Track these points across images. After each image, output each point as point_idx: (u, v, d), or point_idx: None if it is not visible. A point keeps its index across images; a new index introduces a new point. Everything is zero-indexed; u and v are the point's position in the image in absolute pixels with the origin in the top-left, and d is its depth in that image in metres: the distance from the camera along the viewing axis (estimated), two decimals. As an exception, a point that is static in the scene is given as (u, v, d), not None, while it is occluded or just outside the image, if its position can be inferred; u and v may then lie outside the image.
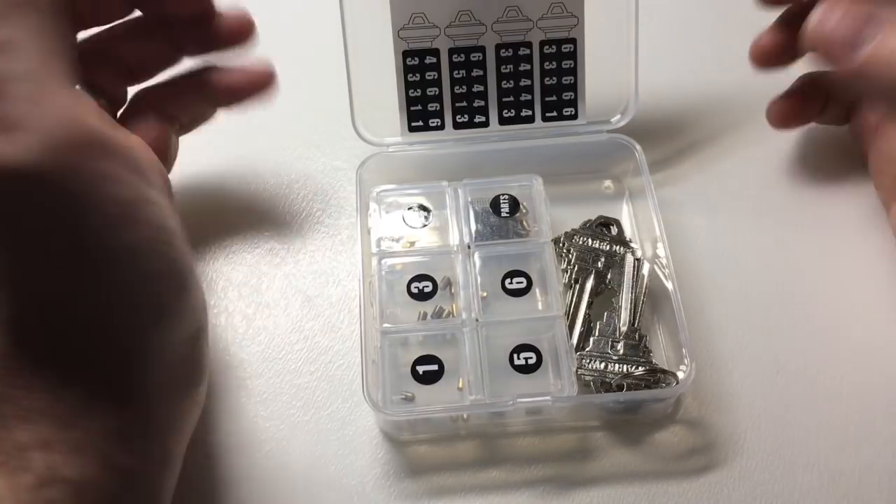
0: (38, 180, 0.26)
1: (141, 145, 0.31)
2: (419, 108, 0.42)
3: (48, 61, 0.28)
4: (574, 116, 0.43)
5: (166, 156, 0.40)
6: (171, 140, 0.41)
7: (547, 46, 0.42)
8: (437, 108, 0.42)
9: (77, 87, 0.29)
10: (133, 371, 0.29)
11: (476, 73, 0.42)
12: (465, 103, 0.43)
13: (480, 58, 0.42)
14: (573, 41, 0.42)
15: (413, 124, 0.43)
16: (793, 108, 0.43)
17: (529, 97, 0.43)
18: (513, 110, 0.43)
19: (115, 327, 0.29)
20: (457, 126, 0.43)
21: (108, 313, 0.29)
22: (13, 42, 0.27)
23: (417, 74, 0.42)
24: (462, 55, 0.42)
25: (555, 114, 0.43)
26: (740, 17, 0.52)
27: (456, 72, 0.42)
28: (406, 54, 0.41)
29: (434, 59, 0.42)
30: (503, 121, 0.43)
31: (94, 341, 0.28)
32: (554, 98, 0.43)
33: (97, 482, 0.27)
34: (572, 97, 0.43)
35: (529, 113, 0.43)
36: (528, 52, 0.42)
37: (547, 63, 0.42)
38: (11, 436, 0.27)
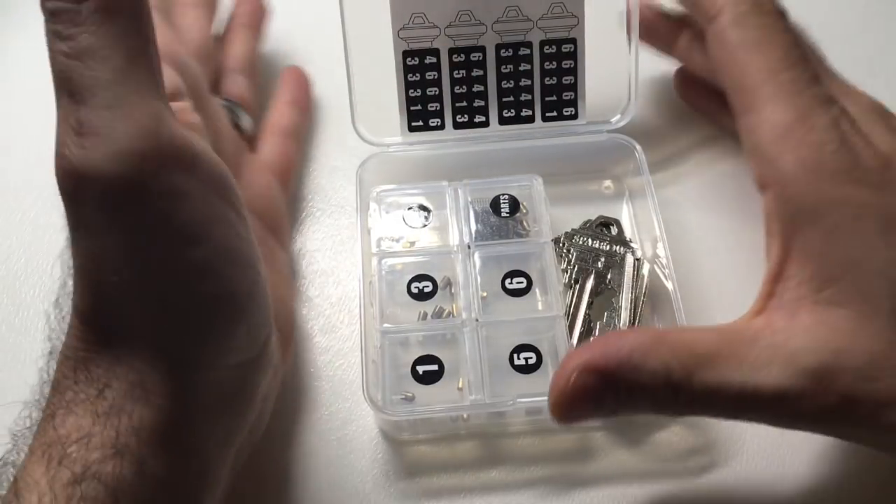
0: (112, 188, 0.26)
1: (220, 162, 0.31)
2: (419, 107, 0.42)
3: (130, 70, 0.27)
4: (574, 116, 0.43)
5: (291, 173, 0.43)
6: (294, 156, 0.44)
7: (547, 46, 0.42)
8: (437, 108, 0.42)
9: (159, 96, 0.29)
10: (176, 381, 0.29)
11: (476, 72, 0.42)
12: (465, 103, 0.43)
13: (480, 58, 0.42)
14: (573, 41, 0.42)
15: (413, 124, 0.43)
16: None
17: (529, 97, 0.43)
18: (513, 110, 0.43)
19: (168, 337, 0.29)
20: (457, 126, 0.43)
21: (163, 323, 0.29)
22: (95, 49, 0.27)
23: (417, 74, 0.42)
24: (462, 55, 0.42)
25: (555, 114, 0.43)
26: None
27: (456, 72, 0.42)
28: (406, 54, 0.41)
29: (434, 59, 0.42)
30: (503, 121, 0.43)
31: (147, 345, 0.29)
32: (554, 98, 0.43)
33: (131, 487, 0.27)
34: (572, 97, 0.43)
35: (529, 113, 0.43)
36: (528, 52, 0.42)
37: (547, 63, 0.42)
38: (56, 428, 0.27)
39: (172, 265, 0.28)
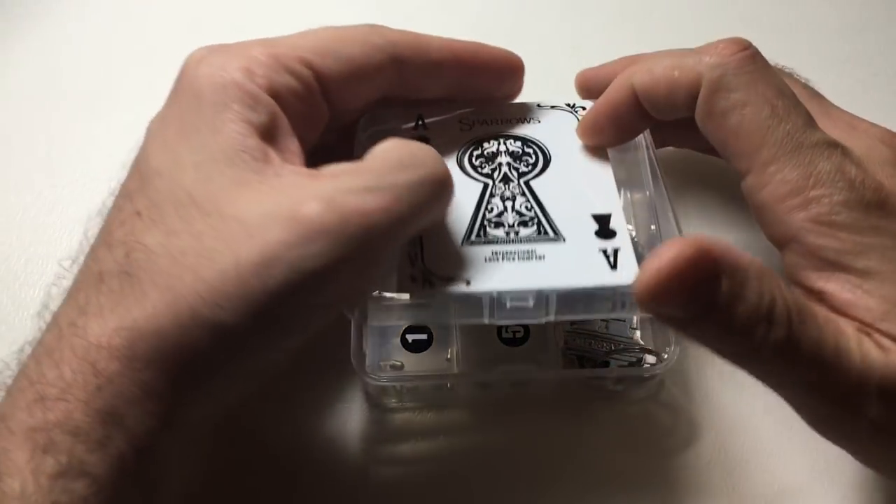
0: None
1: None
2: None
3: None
4: None
5: None
6: None
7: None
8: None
9: None
10: (174, 398, 0.28)
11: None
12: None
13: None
14: None
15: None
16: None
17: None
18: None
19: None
20: None
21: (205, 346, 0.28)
22: None
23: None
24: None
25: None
26: (744, 17, 0.52)
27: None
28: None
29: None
30: None
31: (166, 368, 0.28)
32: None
33: (114, 483, 0.27)
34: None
35: None
36: None
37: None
38: (46, 412, 0.27)
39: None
